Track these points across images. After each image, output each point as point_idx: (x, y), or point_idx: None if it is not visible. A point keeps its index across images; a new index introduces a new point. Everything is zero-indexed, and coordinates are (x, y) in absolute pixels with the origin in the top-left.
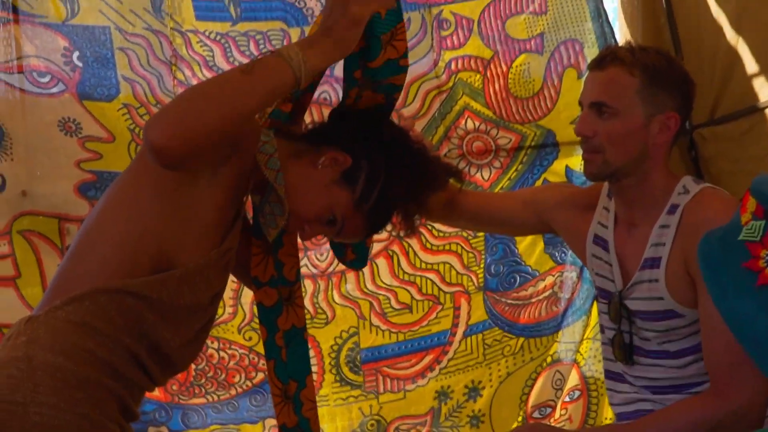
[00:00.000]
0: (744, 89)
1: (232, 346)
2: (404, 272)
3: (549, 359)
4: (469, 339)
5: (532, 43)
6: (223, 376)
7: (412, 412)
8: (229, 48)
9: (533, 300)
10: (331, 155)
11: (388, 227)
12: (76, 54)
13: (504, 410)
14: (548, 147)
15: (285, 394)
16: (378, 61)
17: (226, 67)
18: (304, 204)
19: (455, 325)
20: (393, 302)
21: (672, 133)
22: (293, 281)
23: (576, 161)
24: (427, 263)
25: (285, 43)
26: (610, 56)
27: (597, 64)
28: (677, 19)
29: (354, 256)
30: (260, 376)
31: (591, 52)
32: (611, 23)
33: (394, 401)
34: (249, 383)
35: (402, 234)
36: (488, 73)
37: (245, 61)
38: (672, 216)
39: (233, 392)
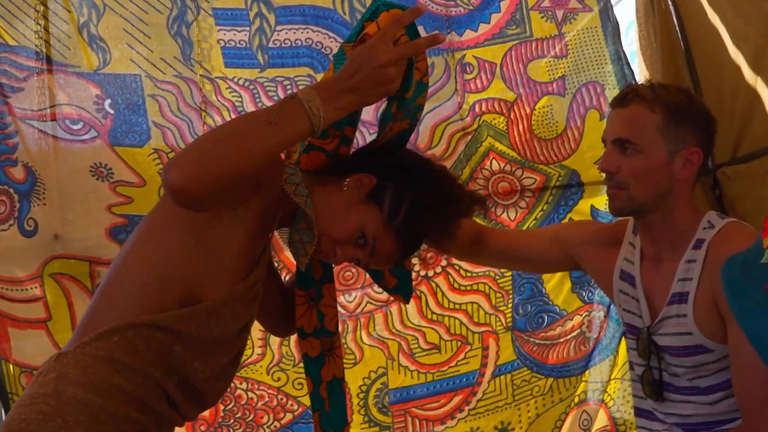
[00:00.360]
0: (765, 128)
1: (261, 387)
2: (432, 312)
3: (576, 399)
4: (498, 379)
5: (554, 85)
6: (252, 416)
7: None
8: (258, 93)
9: (561, 340)
10: (355, 177)
11: (422, 248)
12: (108, 102)
13: None
14: (573, 187)
15: None
16: (412, 89)
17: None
18: (334, 225)
19: (484, 365)
20: (421, 342)
21: (695, 169)
22: (333, 332)
23: (601, 201)
24: (455, 303)
25: None
26: (631, 94)
27: (619, 102)
28: (696, 61)
29: (395, 280)
30: (288, 417)
31: (612, 93)
32: (631, 65)
33: None
34: (277, 424)
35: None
36: (512, 115)
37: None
38: (698, 251)
39: None
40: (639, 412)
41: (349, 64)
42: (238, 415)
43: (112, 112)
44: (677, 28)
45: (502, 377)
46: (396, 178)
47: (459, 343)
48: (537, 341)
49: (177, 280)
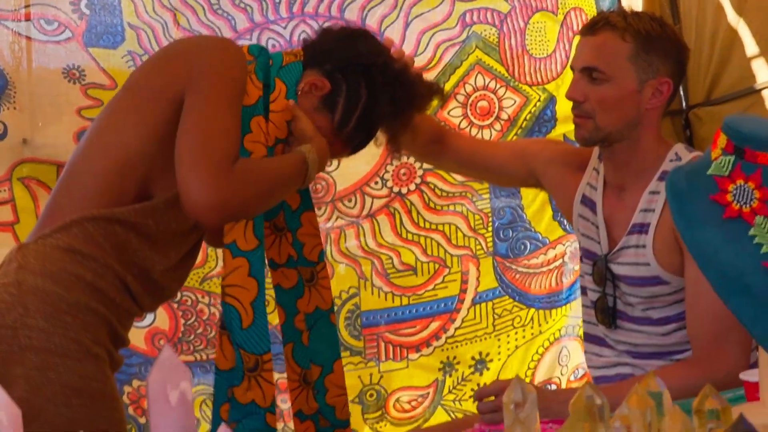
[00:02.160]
0: (742, 70)
1: None
2: (407, 231)
3: (557, 333)
4: (478, 307)
5: (549, 1)
6: (213, 333)
7: (414, 383)
8: None
9: (544, 269)
10: (310, 81)
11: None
12: (83, 2)
13: None
14: (547, 117)
15: (304, 379)
16: None
17: (231, 10)
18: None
19: (463, 291)
20: (396, 262)
21: (665, 99)
22: (316, 262)
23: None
24: (431, 223)
25: None
26: (602, 21)
27: (589, 29)
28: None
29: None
30: None
31: None
32: None
33: (396, 370)
34: None
35: (389, 148)
36: (504, 28)
37: (251, 3)
38: (662, 183)
39: None
40: (589, 337)
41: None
42: (199, 330)
43: (87, 12)
44: None
45: (483, 305)
46: (351, 81)
47: (437, 266)
48: (520, 269)
49: (134, 173)
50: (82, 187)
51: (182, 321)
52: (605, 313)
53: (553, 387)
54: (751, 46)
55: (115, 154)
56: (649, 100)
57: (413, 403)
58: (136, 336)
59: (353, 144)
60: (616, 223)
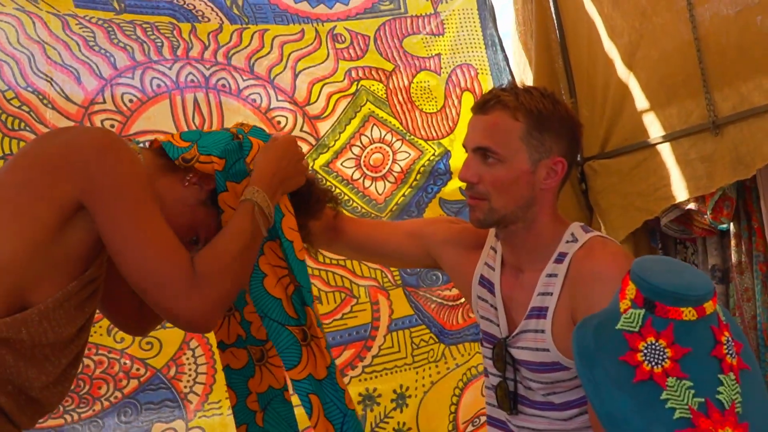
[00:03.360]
0: (634, 125)
1: (100, 351)
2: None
3: (474, 371)
4: (395, 334)
5: (431, 62)
6: (87, 388)
7: None
8: (113, 31)
9: (458, 302)
10: (199, 173)
11: None
12: None
13: (433, 422)
14: (442, 171)
15: None
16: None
17: (109, 47)
18: (168, 221)
19: (376, 318)
20: None
21: (559, 178)
22: (264, 340)
23: None
24: (331, 259)
25: (175, 34)
26: (493, 100)
27: (480, 108)
28: (570, 51)
29: None
30: (133, 384)
31: (484, 78)
32: (506, 51)
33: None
34: (119, 394)
35: None
36: (391, 84)
37: (131, 44)
38: (560, 265)
39: (98, 407)
40: (491, 420)
41: (273, 156)
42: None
43: None
44: (554, 16)
45: (400, 332)
46: None
47: (343, 295)
48: (435, 299)
49: (6, 282)
50: None
51: None
52: (506, 397)
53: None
54: (641, 101)
55: None
56: (543, 180)
57: None
58: None
59: None
60: (514, 305)
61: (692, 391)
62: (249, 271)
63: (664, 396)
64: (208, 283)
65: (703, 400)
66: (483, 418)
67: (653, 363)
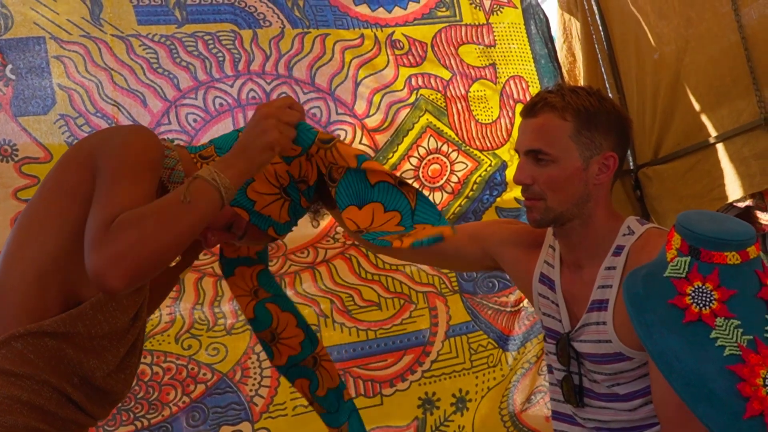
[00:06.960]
0: (685, 129)
1: (168, 359)
2: (366, 272)
3: (520, 371)
4: (452, 340)
5: (486, 71)
6: (156, 394)
7: (391, 422)
8: (176, 49)
9: (513, 309)
10: None
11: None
12: (9, 68)
13: (488, 423)
14: (498, 180)
15: None
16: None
17: (172, 68)
18: None
19: (434, 324)
20: (357, 300)
21: (611, 173)
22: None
23: None
24: (390, 264)
25: (237, 44)
26: (540, 102)
27: (528, 112)
28: (618, 62)
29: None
30: (200, 388)
31: (535, 91)
32: (558, 61)
33: (370, 407)
34: (187, 399)
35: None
36: (449, 93)
37: (193, 61)
38: (618, 257)
39: (167, 413)
40: (557, 415)
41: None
42: (140, 395)
43: (13, 78)
44: (600, 28)
45: (457, 338)
46: None
47: (402, 301)
48: (491, 305)
49: (57, 281)
50: (6, 304)
51: None
52: (572, 391)
53: (540, 395)
54: (691, 105)
55: (34, 265)
56: (596, 176)
57: None
58: None
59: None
60: (575, 300)
61: (740, 330)
62: (170, 238)
63: (713, 335)
64: (112, 237)
65: (751, 337)
66: (539, 396)
67: (701, 305)
